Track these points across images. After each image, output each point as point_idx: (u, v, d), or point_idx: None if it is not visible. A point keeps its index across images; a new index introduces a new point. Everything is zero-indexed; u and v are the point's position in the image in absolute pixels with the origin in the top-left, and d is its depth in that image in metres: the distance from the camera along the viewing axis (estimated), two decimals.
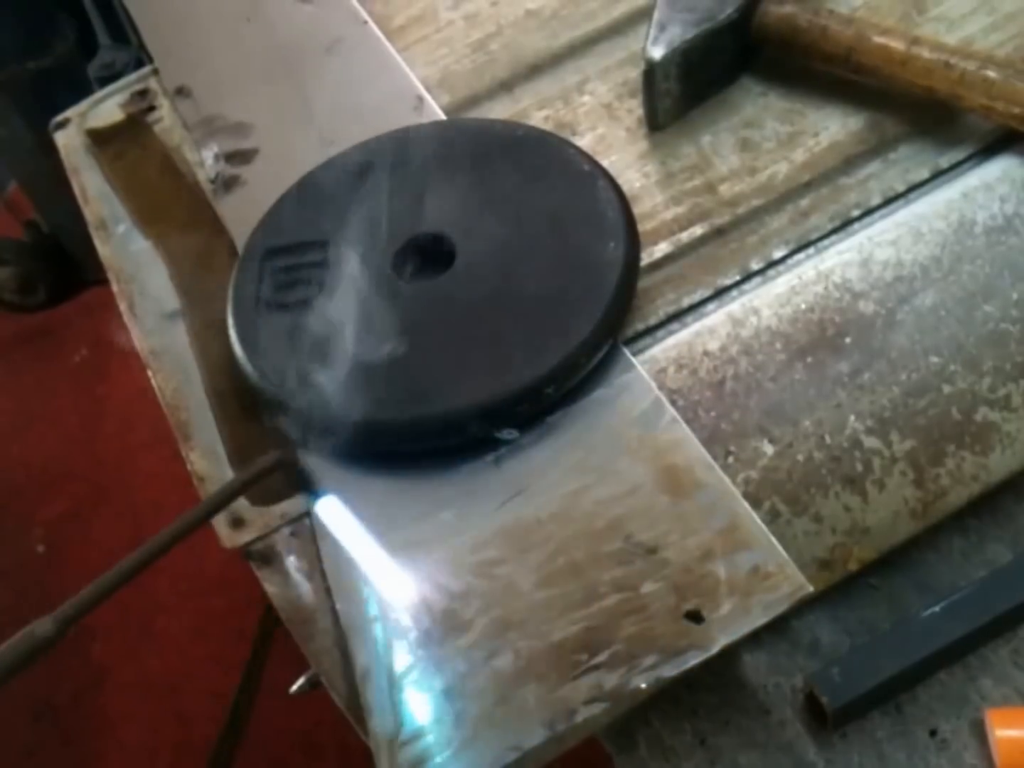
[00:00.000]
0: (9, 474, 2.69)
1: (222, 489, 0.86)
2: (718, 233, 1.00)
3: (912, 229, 0.95)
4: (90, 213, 1.18)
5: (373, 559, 0.85)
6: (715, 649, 0.78)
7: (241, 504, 0.91)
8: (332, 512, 0.89)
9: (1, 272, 2.98)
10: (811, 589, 0.79)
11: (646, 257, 0.98)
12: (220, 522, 0.90)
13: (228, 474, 0.93)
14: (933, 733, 0.82)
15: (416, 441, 0.90)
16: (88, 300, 3.01)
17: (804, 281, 0.94)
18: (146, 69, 1.33)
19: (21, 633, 0.72)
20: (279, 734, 2.06)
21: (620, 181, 1.01)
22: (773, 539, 0.81)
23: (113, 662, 2.32)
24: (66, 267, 2.98)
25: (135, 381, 1.04)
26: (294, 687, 0.87)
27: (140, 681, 2.31)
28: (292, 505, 0.91)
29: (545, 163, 1.03)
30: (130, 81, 1.32)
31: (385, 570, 0.85)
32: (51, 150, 1.28)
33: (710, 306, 0.96)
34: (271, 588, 0.87)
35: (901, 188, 0.99)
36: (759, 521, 0.82)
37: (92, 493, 2.59)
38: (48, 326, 3.05)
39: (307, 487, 0.90)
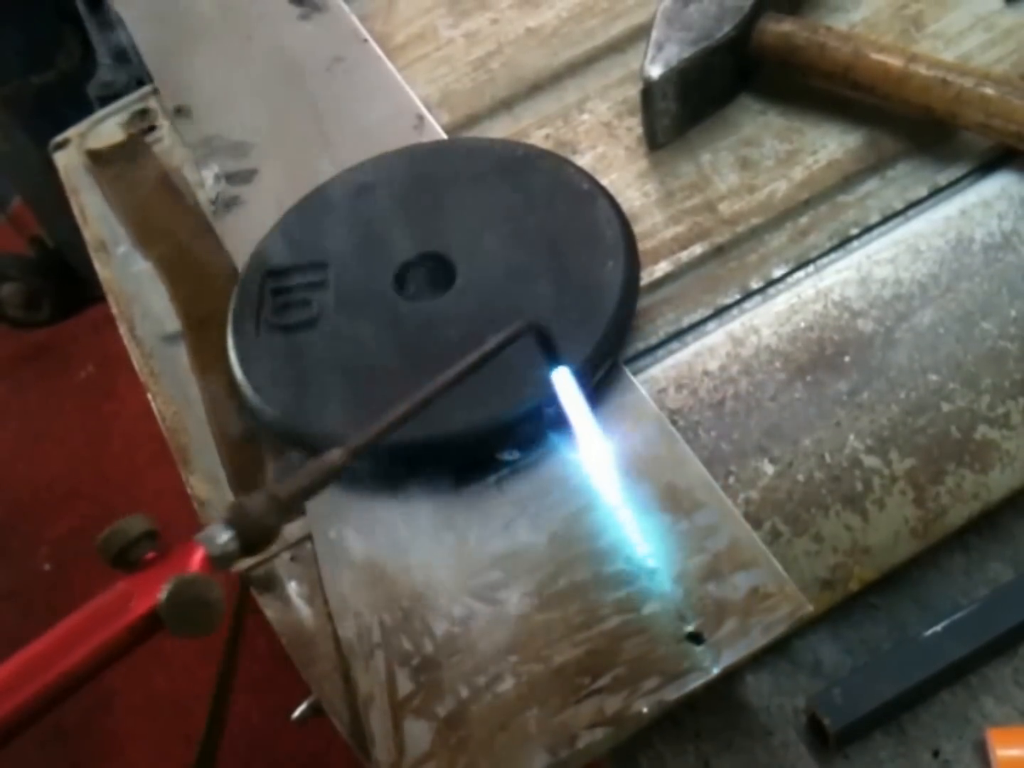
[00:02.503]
0: (15, 493, 2.68)
1: (481, 350, 0.82)
2: (718, 252, 1.00)
3: (910, 247, 0.95)
4: (90, 234, 1.19)
5: (375, 584, 0.85)
6: (716, 671, 0.77)
7: None
8: (334, 536, 0.89)
9: (5, 288, 2.97)
10: (811, 609, 0.79)
11: (646, 276, 0.98)
12: None
13: (229, 497, 0.93)
14: (936, 754, 0.82)
15: (418, 463, 0.90)
16: (94, 316, 2.99)
17: (803, 300, 0.94)
18: (146, 88, 1.33)
19: (315, 462, 0.75)
20: (290, 758, 2.06)
21: (620, 200, 1.01)
22: (773, 559, 0.81)
23: (121, 684, 2.31)
24: (71, 283, 2.96)
25: (142, 398, 1.04)
26: (296, 713, 0.87)
27: (148, 703, 2.30)
28: (292, 530, 0.91)
29: (545, 182, 1.03)
30: (130, 101, 1.32)
31: (387, 595, 0.85)
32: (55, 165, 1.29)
33: (710, 325, 0.96)
34: (271, 613, 0.87)
35: (899, 206, 0.99)
36: (759, 541, 0.82)
37: (99, 511, 2.57)
38: (53, 343, 3.04)
39: (553, 360, 0.85)
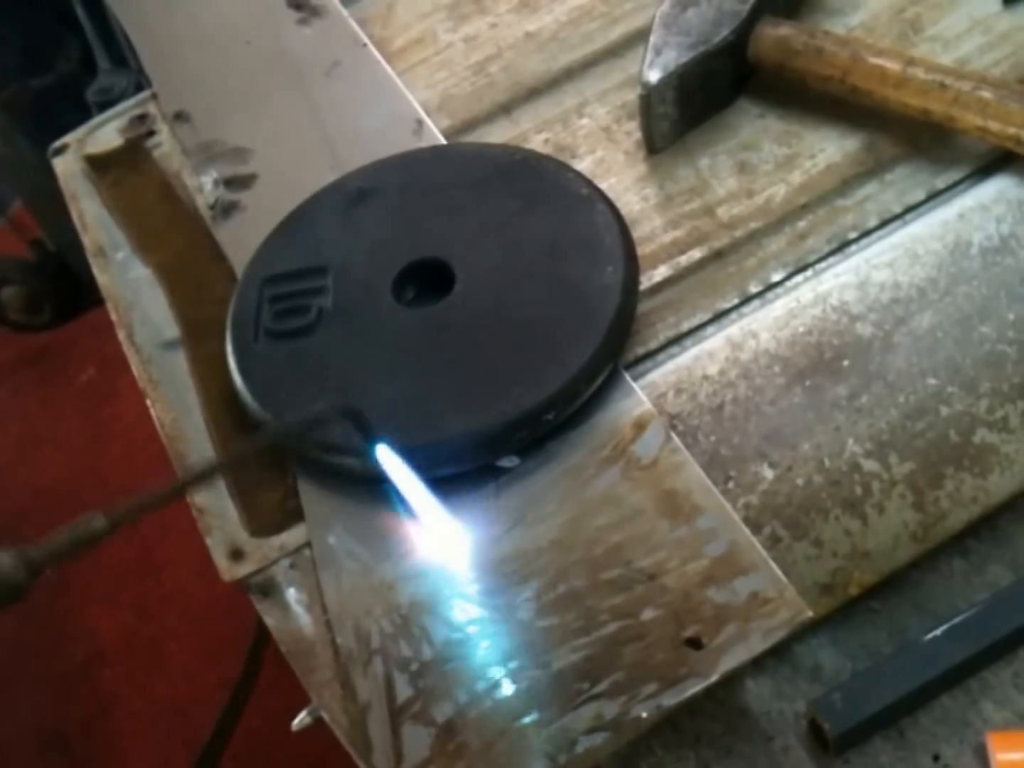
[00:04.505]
0: (15, 497, 2.67)
1: (281, 425, 0.80)
2: (717, 256, 1.00)
3: (909, 251, 0.95)
4: (88, 240, 1.18)
5: (374, 590, 0.85)
6: (715, 677, 0.77)
7: (240, 536, 0.91)
8: (332, 543, 0.89)
9: (6, 292, 2.96)
10: (810, 614, 0.79)
11: (645, 281, 0.98)
12: (219, 554, 0.90)
13: (228, 505, 0.93)
14: (936, 758, 0.82)
15: (417, 469, 0.90)
16: (94, 320, 2.96)
17: (802, 304, 0.94)
18: (145, 94, 1.33)
19: (77, 521, 0.73)
20: (290, 762, 2.05)
21: (619, 204, 1.01)
22: (772, 564, 0.81)
23: (122, 689, 2.31)
24: (72, 286, 2.95)
25: (142, 402, 1.04)
26: (296, 721, 0.86)
27: (149, 708, 2.29)
28: (291, 537, 0.91)
29: (544, 187, 1.03)
30: (129, 106, 1.32)
31: (386, 601, 0.85)
32: None
33: (709, 329, 0.96)
34: (271, 621, 0.87)
35: (898, 210, 0.99)
36: (759, 546, 0.82)
37: None
38: (54, 346, 3.03)
39: (369, 440, 0.84)
